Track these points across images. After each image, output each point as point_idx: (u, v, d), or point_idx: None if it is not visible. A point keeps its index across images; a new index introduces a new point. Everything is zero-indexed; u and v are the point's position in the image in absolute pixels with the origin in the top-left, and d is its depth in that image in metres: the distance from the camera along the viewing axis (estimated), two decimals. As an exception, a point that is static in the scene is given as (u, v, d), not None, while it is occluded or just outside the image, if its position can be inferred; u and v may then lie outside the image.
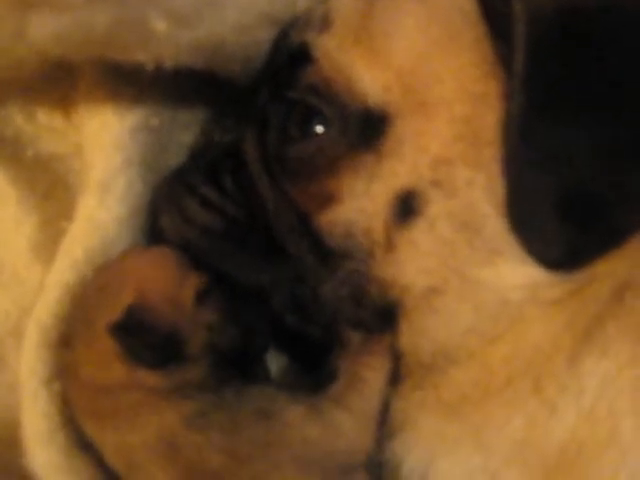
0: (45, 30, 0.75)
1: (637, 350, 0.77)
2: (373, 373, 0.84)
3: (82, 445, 0.86)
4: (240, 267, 0.88)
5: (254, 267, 0.88)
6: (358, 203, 0.82)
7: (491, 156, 0.79)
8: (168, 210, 0.92)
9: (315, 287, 0.85)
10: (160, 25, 0.78)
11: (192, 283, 0.86)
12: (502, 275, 0.79)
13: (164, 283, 0.85)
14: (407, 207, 0.81)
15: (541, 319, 0.80)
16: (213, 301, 0.86)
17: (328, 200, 0.84)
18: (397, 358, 0.85)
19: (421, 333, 0.82)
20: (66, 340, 0.88)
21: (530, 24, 0.77)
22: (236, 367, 0.87)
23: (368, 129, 0.82)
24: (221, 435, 0.81)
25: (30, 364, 0.87)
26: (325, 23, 0.86)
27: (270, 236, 0.87)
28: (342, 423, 0.83)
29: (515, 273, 0.79)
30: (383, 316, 0.84)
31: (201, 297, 0.85)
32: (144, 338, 0.82)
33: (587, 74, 0.76)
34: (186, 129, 0.97)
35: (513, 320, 0.80)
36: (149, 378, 0.83)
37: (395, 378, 0.85)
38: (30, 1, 0.73)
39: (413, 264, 0.81)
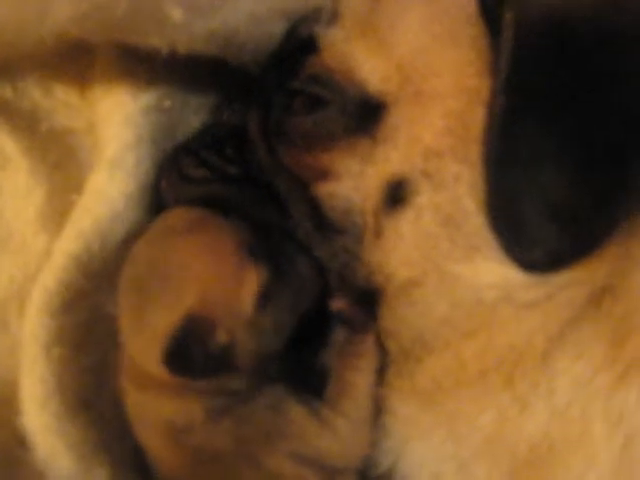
0: (65, 13, 0.82)
1: (613, 354, 0.81)
2: (361, 376, 0.89)
3: (75, 409, 0.93)
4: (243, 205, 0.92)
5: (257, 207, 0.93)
6: (354, 182, 0.88)
7: (478, 152, 0.83)
8: (168, 173, 0.99)
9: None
10: (175, 13, 0.85)
11: (253, 281, 0.85)
12: (479, 272, 0.83)
13: (225, 282, 0.85)
14: (397, 195, 0.86)
15: (515, 319, 0.84)
16: (272, 305, 0.85)
17: (324, 174, 0.90)
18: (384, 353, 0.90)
19: (400, 321, 0.88)
20: (69, 307, 0.94)
21: (517, 30, 0.82)
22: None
23: (365, 114, 0.89)
24: (232, 422, 0.86)
25: (32, 329, 0.94)
26: (334, 16, 0.94)
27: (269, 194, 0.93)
28: (339, 427, 0.88)
29: (491, 272, 0.83)
30: (364, 301, 0.89)
31: (262, 301, 0.85)
32: (198, 352, 0.82)
33: (567, 84, 0.81)
34: (196, 112, 1.04)
35: (488, 318, 0.84)
36: (188, 381, 0.85)
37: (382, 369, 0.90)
38: (52, -15, 0.80)
39: (397, 254, 0.87)
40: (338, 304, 0.90)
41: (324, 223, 0.90)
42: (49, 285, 0.95)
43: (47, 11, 0.83)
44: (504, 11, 0.84)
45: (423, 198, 0.86)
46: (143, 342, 0.86)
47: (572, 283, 0.83)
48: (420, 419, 0.88)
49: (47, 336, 0.94)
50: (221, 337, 0.83)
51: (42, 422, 0.92)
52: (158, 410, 0.87)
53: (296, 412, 0.87)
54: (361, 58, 0.90)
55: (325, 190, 0.90)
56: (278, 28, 0.97)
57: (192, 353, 0.82)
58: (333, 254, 0.90)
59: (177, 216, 0.93)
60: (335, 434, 0.88)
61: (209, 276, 0.85)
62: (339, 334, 0.92)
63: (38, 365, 0.93)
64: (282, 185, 0.93)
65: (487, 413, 0.85)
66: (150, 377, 0.86)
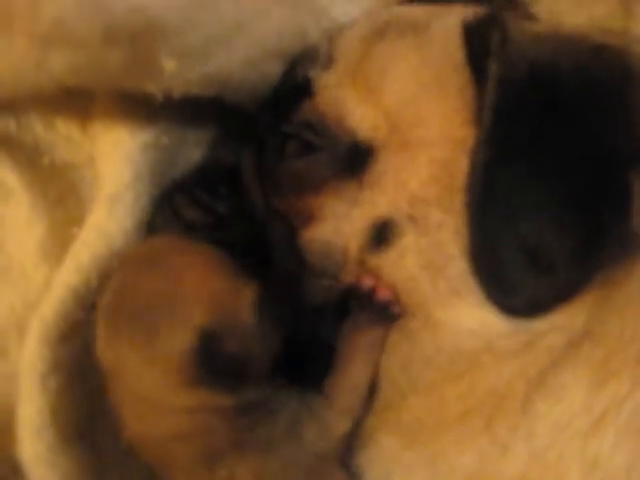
0: (63, 64, 0.86)
1: (590, 399, 0.83)
2: (365, 371, 0.90)
3: (69, 439, 0.96)
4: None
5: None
6: (338, 225, 0.91)
7: (463, 202, 0.86)
8: (162, 209, 1.02)
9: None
10: (169, 63, 0.88)
11: (248, 292, 0.86)
12: (460, 317, 0.85)
13: (225, 296, 0.86)
14: (381, 235, 0.89)
15: (496, 366, 0.86)
16: (268, 309, 0.87)
17: (310, 218, 0.93)
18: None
19: (389, 351, 0.90)
20: (65, 338, 0.96)
21: (501, 83, 0.85)
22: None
23: (354, 159, 0.92)
24: (254, 455, 0.87)
25: (30, 358, 0.96)
26: (329, 61, 0.97)
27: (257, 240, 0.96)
28: (340, 428, 0.90)
29: (472, 317, 0.85)
30: None
31: (260, 309, 0.86)
32: (221, 363, 0.84)
33: (550, 135, 0.83)
34: (196, 147, 1.07)
35: (470, 364, 0.87)
36: (216, 399, 0.85)
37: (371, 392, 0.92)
38: (50, 38, 0.83)
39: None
40: (367, 282, 0.90)
41: (304, 267, 0.93)
42: (47, 316, 0.98)
43: (43, 64, 0.86)
44: (490, 61, 0.87)
45: (407, 240, 0.88)
46: (157, 372, 0.86)
47: (552, 329, 0.85)
48: (402, 456, 0.90)
49: (44, 365, 0.96)
50: (232, 348, 0.85)
51: (35, 452, 0.95)
52: (183, 446, 0.88)
53: (310, 431, 0.89)
54: (352, 105, 0.93)
55: (307, 236, 0.93)
56: (274, 69, 1.00)
57: (220, 359, 0.84)
58: (314, 288, 0.93)
59: (161, 242, 0.94)
60: (337, 435, 0.90)
61: (210, 292, 0.86)
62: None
63: (34, 394, 0.96)
64: (270, 230, 0.96)
65: (468, 455, 0.87)
66: (167, 406, 0.87)
